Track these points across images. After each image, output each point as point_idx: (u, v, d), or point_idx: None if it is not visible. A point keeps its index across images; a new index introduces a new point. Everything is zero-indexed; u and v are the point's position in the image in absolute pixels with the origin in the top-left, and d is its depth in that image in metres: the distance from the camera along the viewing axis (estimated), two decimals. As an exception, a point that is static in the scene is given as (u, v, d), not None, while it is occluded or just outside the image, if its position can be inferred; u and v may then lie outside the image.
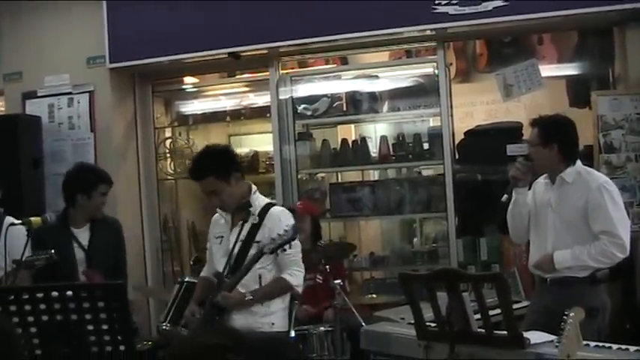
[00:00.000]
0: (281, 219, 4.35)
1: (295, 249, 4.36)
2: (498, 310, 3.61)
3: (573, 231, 4.38)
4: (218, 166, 4.34)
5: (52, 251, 4.50)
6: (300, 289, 4.42)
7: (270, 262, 4.34)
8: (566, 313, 3.12)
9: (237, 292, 4.23)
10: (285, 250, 4.18)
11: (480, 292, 3.51)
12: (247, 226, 4.30)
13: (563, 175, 4.44)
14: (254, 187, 4.52)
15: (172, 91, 7.79)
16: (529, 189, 4.65)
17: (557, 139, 4.44)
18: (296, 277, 4.34)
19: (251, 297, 4.21)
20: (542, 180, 4.65)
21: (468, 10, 5.83)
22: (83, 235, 5.00)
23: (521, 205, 4.60)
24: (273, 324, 4.31)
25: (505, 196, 4.53)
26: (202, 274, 4.77)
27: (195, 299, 4.55)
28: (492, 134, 6.72)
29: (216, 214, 4.60)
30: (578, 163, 4.51)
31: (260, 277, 4.31)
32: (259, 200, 4.45)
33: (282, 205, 4.92)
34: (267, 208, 4.39)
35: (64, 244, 4.89)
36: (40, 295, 3.51)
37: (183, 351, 1.49)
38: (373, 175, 7.87)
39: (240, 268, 4.25)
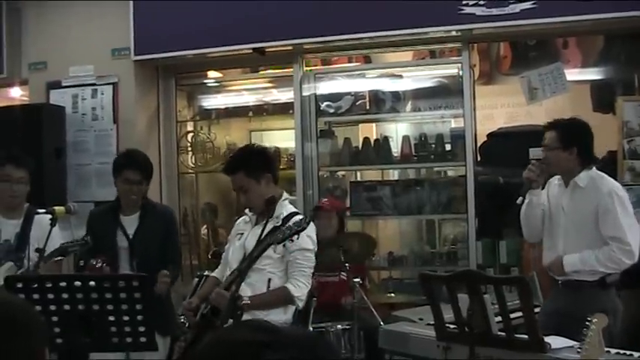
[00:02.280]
0: (300, 222, 4.29)
1: (307, 261, 4.32)
2: (518, 314, 3.61)
3: (584, 235, 4.42)
4: (250, 164, 4.35)
5: (87, 237, 4.52)
6: (301, 303, 4.34)
7: (283, 270, 4.30)
8: (588, 318, 3.11)
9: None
10: (293, 240, 4.04)
11: (502, 295, 3.50)
12: (268, 227, 4.20)
13: (577, 179, 4.46)
14: (285, 195, 4.52)
15: (196, 85, 7.81)
16: (542, 189, 4.67)
17: (577, 143, 4.46)
18: (299, 288, 4.27)
19: (248, 301, 4.06)
20: (555, 181, 4.67)
21: (495, 11, 5.79)
22: (131, 223, 4.97)
23: (535, 205, 4.61)
24: None
25: (520, 198, 4.56)
26: (214, 273, 4.75)
27: (200, 295, 4.52)
28: (515, 137, 6.68)
29: (243, 216, 4.59)
30: (593, 168, 4.53)
31: (269, 280, 4.28)
32: (287, 208, 4.43)
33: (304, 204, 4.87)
34: (291, 215, 4.34)
35: (109, 232, 4.92)
36: (62, 284, 3.53)
37: (215, 348, 1.45)
38: (393, 174, 7.86)
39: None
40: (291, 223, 4.07)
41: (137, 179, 4.95)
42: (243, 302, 4.05)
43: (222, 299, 4.07)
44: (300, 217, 4.26)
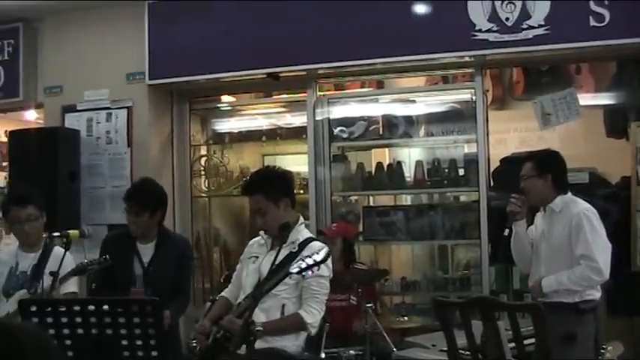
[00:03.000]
0: (319, 252, 4.25)
1: (321, 288, 4.25)
2: (532, 340, 3.59)
3: (561, 257, 4.65)
4: (269, 187, 4.31)
5: (107, 256, 4.52)
6: (313, 330, 4.25)
7: (297, 295, 4.24)
8: (604, 346, 3.11)
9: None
10: (312, 272, 3.92)
11: (516, 322, 3.49)
12: (284, 252, 4.10)
13: (552, 204, 4.75)
14: (302, 219, 4.47)
15: (209, 110, 7.85)
16: (532, 222, 4.96)
17: (551, 171, 4.76)
18: (312, 315, 4.19)
19: (261, 328, 3.83)
20: (540, 212, 4.93)
21: (507, 37, 5.81)
22: (147, 251, 4.98)
23: (522, 236, 4.88)
24: None
25: (507, 230, 4.85)
26: (224, 293, 4.69)
27: (211, 317, 4.44)
28: (528, 162, 6.67)
29: (257, 237, 4.54)
30: (569, 193, 4.79)
31: (284, 306, 4.23)
32: (302, 233, 4.38)
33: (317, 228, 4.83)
34: (308, 240, 4.31)
35: (125, 259, 4.92)
36: (76, 308, 3.54)
37: None
38: (406, 199, 7.86)
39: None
40: (310, 253, 3.89)
41: (134, 211, 4.97)
42: (257, 329, 3.85)
43: (235, 326, 4.04)
44: (318, 245, 4.19)
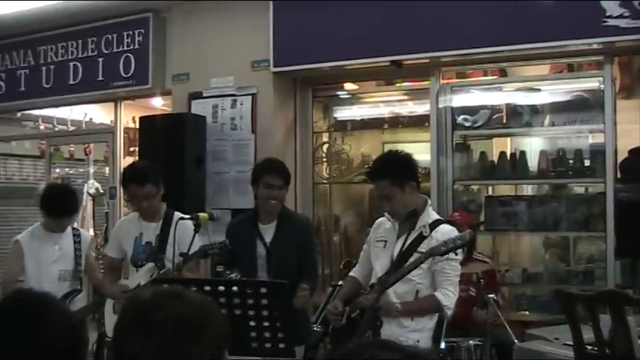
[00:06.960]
0: (452, 235, 4.17)
1: (454, 270, 4.20)
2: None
3: None
4: (394, 172, 4.27)
5: (227, 240, 4.63)
6: (449, 312, 4.18)
7: (430, 280, 4.20)
8: None
9: (386, 298, 4.06)
10: (449, 258, 4.05)
11: (647, 318, 3.41)
12: (413, 236, 4.14)
13: None
14: (429, 201, 4.43)
15: (332, 97, 7.93)
16: None
17: None
18: (448, 297, 4.14)
19: (399, 307, 4.03)
20: None
21: (640, 23, 5.63)
22: (269, 231, 4.99)
23: None
24: (418, 341, 4.15)
25: None
26: (352, 273, 4.68)
27: (342, 296, 4.46)
28: (659, 154, 6.46)
29: (383, 218, 4.50)
30: None
31: (417, 292, 4.20)
32: (431, 215, 4.33)
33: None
34: (437, 223, 4.28)
35: (248, 239, 4.97)
36: (207, 288, 3.65)
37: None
38: (527, 189, 7.72)
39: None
40: (446, 237, 3.96)
41: (278, 184, 4.96)
42: (396, 308, 4.05)
43: (371, 304, 4.07)
44: (450, 228, 4.22)
